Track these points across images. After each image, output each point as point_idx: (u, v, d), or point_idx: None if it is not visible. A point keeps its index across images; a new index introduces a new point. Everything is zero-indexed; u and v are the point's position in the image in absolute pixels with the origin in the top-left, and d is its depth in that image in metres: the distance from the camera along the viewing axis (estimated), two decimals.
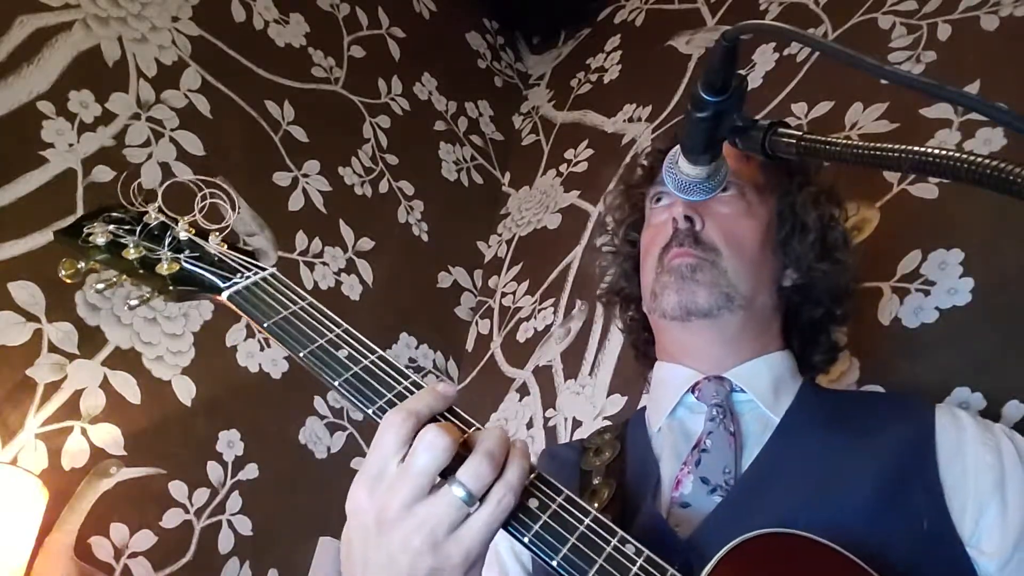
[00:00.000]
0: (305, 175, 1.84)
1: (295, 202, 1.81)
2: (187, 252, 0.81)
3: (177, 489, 1.46)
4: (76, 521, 1.32)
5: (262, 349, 1.65)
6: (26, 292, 1.38)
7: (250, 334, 1.64)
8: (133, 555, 1.38)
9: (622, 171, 1.14)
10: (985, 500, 0.73)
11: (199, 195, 0.82)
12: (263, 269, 0.78)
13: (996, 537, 0.71)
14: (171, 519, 1.44)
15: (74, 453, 1.36)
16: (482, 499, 0.57)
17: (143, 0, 1.67)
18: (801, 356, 0.96)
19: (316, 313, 0.72)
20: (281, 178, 1.80)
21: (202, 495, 1.49)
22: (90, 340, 1.43)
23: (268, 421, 1.62)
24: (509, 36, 2.53)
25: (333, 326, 0.71)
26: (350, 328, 0.71)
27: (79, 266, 0.82)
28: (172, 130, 1.64)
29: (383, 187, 2.00)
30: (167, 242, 0.80)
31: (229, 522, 1.51)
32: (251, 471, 1.57)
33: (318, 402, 1.71)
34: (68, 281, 0.82)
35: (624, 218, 1.09)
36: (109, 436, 1.40)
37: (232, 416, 1.57)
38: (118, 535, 1.37)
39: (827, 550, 0.63)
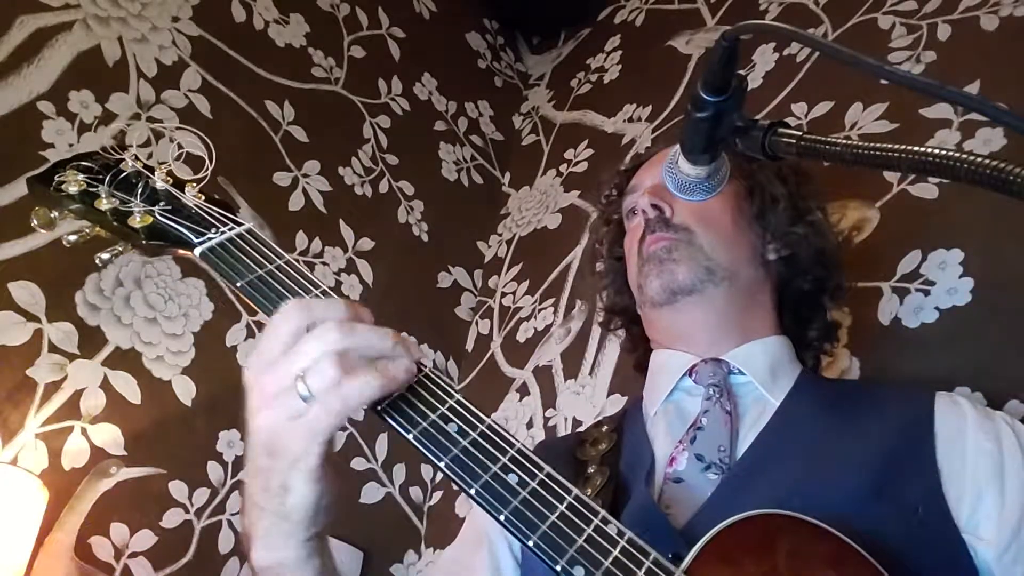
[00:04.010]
0: (305, 175, 1.84)
1: (295, 202, 1.81)
2: (162, 204, 0.75)
3: (177, 489, 1.46)
4: (76, 521, 1.32)
5: None
6: (26, 292, 1.37)
7: (250, 334, 1.63)
8: (133, 555, 1.38)
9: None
10: (983, 487, 0.73)
11: (174, 144, 0.77)
12: (239, 224, 0.73)
13: (993, 525, 0.71)
14: (171, 519, 1.44)
15: (74, 453, 1.36)
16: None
17: (143, 0, 1.67)
18: (797, 337, 0.96)
19: (294, 273, 0.68)
20: (281, 178, 1.80)
21: (202, 495, 1.49)
22: (90, 340, 1.43)
23: None
24: (509, 36, 2.53)
25: (311, 287, 0.68)
26: (328, 290, 0.68)
27: (52, 215, 0.76)
28: (172, 130, 1.64)
29: (383, 187, 2.00)
30: (140, 193, 0.74)
31: (229, 522, 1.51)
32: None
33: None
34: (43, 232, 0.77)
35: (606, 237, 1.11)
36: (109, 436, 1.40)
37: (232, 416, 1.57)
38: (118, 535, 1.37)
39: (818, 530, 0.63)
